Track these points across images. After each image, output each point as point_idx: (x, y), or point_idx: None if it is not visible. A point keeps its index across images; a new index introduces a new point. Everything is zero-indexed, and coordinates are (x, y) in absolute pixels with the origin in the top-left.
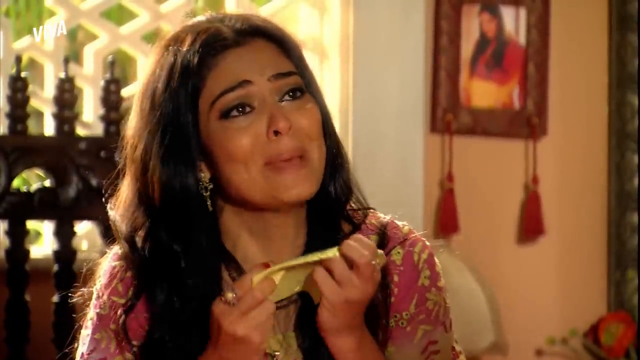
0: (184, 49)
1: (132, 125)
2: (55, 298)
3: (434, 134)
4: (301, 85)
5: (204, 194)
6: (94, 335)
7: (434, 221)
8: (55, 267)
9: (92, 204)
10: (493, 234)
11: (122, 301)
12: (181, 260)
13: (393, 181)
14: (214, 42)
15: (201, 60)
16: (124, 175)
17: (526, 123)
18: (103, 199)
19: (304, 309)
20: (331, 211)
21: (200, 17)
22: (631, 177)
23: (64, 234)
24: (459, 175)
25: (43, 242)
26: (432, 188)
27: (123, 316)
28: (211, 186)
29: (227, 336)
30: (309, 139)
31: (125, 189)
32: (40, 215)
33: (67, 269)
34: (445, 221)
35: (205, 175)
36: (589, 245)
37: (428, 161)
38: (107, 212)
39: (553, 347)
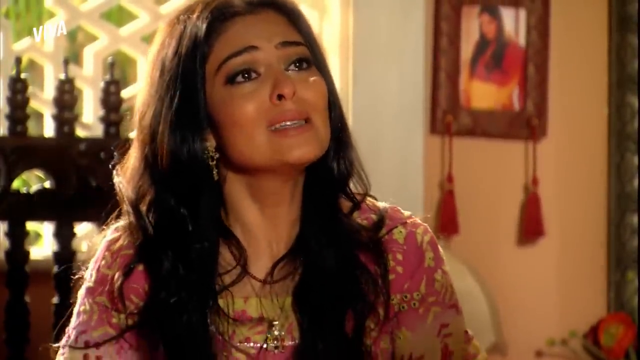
0: (194, 17)
1: (142, 93)
2: (55, 299)
3: (433, 135)
4: (308, 57)
5: (210, 163)
6: (79, 308)
7: (434, 222)
8: (55, 269)
9: (92, 205)
10: (493, 235)
11: (110, 272)
12: (188, 224)
13: (393, 182)
14: (223, 9)
15: (210, 26)
16: (131, 144)
17: (526, 124)
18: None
19: (304, 278)
20: (330, 186)
21: None
22: (631, 178)
23: (64, 236)
24: (458, 177)
25: (43, 243)
26: (432, 189)
27: (121, 278)
28: (217, 155)
29: None
30: (313, 108)
31: (133, 156)
32: (40, 217)
33: (67, 270)
34: (445, 222)
35: (211, 144)
36: (589, 246)
37: (428, 162)
38: (106, 214)
39: (553, 349)
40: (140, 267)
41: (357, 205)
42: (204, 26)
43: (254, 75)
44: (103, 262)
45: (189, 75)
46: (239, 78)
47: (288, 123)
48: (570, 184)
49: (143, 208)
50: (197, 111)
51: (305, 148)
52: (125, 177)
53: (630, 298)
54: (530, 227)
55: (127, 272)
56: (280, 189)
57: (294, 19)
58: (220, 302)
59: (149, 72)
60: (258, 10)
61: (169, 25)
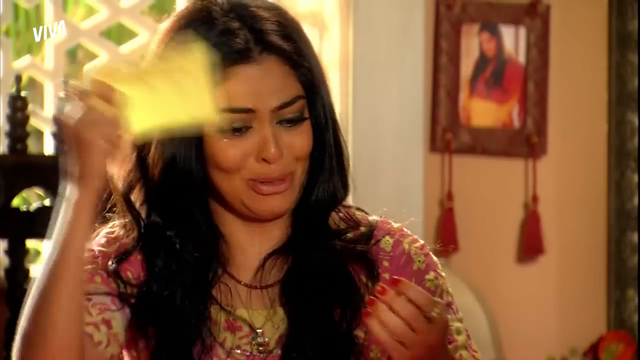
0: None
1: None
2: None
3: (433, 153)
4: (302, 112)
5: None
6: None
7: (434, 240)
8: None
9: None
10: (493, 252)
11: (106, 250)
12: (175, 244)
13: (393, 200)
14: (227, 52)
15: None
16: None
17: (526, 142)
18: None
19: (288, 285)
20: (319, 209)
21: (224, 5)
22: (631, 196)
23: None
24: (458, 194)
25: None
26: (432, 207)
27: (115, 265)
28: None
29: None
30: (295, 160)
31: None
32: (40, 234)
33: None
34: (445, 240)
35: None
36: (589, 264)
37: (428, 180)
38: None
39: None
40: (138, 257)
41: (352, 227)
42: None
43: (244, 129)
44: (99, 244)
45: None
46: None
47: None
48: (570, 201)
49: (133, 198)
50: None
51: (278, 205)
52: (116, 167)
53: (630, 315)
54: (530, 245)
55: (120, 260)
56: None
57: (298, 64)
58: (212, 310)
59: None
60: (262, 58)
61: (172, 30)
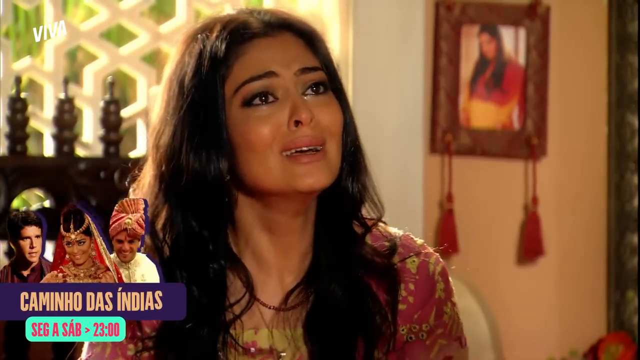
0: (213, 37)
1: (158, 112)
2: None
3: (433, 155)
4: (325, 81)
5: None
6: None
7: (434, 242)
8: None
9: None
10: (493, 254)
11: None
12: (209, 245)
13: (392, 202)
14: (242, 31)
15: (228, 48)
16: (144, 163)
17: (526, 144)
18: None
19: (315, 308)
20: (344, 211)
21: (228, 10)
22: (631, 197)
23: None
24: (458, 196)
25: None
26: (432, 208)
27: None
28: (228, 177)
29: None
30: (329, 133)
31: (148, 174)
32: None
33: None
34: (445, 242)
35: (224, 165)
36: (589, 266)
37: (427, 182)
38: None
39: None
40: None
41: (368, 230)
42: (223, 47)
43: (271, 98)
44: None
45: (212, 96)
46: (256, 100)
47: (304, 149)
48: (570, 203)
49: (158, 227)
50: (221, 133)
51: (316, 177)
52: (141, 195)
53: (630, 317)
54: (530, 247)
55: None
56: (292, 220)
57: (311, 43)
58: (232, 332)
59: (166, 90)
60: (275, 33)
61: (186, 43)
